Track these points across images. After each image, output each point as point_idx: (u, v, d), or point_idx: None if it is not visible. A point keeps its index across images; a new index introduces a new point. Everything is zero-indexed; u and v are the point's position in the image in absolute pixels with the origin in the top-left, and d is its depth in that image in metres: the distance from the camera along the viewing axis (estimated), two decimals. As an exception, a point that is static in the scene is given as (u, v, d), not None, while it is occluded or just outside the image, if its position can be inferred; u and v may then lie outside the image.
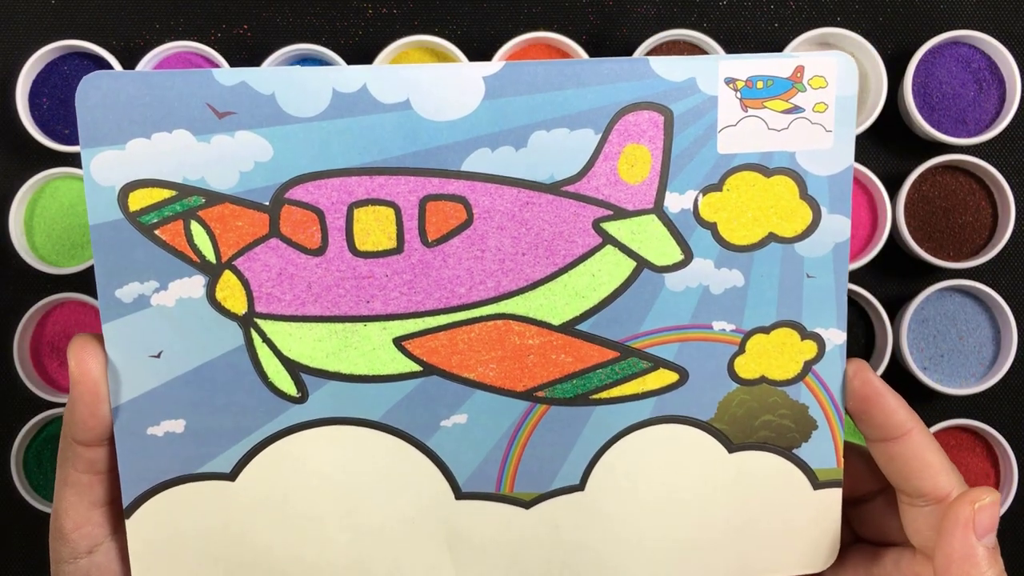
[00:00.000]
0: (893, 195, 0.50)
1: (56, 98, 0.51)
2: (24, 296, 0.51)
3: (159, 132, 0.27)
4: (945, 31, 0.49)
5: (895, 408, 0.28)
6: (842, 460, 0.30)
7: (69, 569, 0.28)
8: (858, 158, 0.51)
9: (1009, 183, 0.49)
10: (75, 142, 0.50)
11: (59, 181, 0.51)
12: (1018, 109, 0.49)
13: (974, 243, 0.50)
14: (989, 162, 0.49)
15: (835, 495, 0.30)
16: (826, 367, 0.29)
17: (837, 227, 0.29)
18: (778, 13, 0.51)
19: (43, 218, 0.51)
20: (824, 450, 0.30)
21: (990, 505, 0.27)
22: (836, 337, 0.29)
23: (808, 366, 0.29)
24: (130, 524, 0.28)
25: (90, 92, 0.26)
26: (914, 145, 0.51)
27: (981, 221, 0.50)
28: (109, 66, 0.50)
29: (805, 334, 0.29)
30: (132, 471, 0.28)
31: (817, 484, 0.30)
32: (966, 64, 0.50)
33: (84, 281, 0.51)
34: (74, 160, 0.51)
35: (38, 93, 0.51)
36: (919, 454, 0.28)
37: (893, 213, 0.49)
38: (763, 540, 0.30)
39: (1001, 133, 0.49)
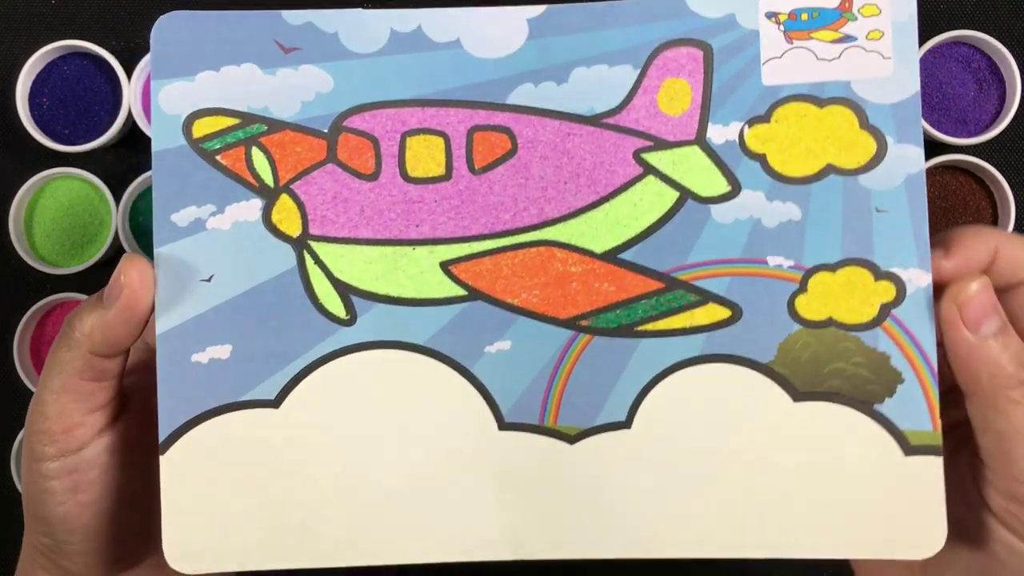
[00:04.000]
0: (893, 195, 0.50)
1: (56, 98, 0.51)
2: (24, 296, 0.51)
3: (227, 65, 0.29)
4: (945, 31, 0.49)
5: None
6: (939, 423, 0.27)
7: (53, 467, 0.28)
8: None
9: (1009, 183, 0.49)
10: (75, 142, 0.50)
11: (59, 181, 0.51)
12: (1018, 109, 0.49)
13: (974, 243, 0.50)
14: (989, 162, 0.49)
15: (934, 464, 0.28)
16: (910, 312, 0.28)
17: (909, 156, 0.28)
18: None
19: (43, 218, 0.51)
20: (914, 408, 0.28)
21: (974, 295, 0.26)
22: (919, 278, 0.28)
23: (886, 310, 0.28)
24: (164, 460, 0.29)
25: (166, 29, 0.29)
26: (914, 145, 0.51)
27: (981, 221, 0.50)
28: (109, 66, 0.50)
29: (879, 274, 0.28)
30: (171, 403, 0.29)
31: (909, 449, 0.28)
32: (966, 64, 0.50)
33: (84, 281, 0.51)
34: (74, 160, 0.51)
35: (38, 93, 0.51)
36: None
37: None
38: (844, 510, 0.28)
39: (1001, 133, 0.49)
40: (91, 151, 0.50)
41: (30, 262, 0.50)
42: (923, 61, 0.50)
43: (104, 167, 0.52)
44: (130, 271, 0.28)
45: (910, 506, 0.28)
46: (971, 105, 0.50)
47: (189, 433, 0.29)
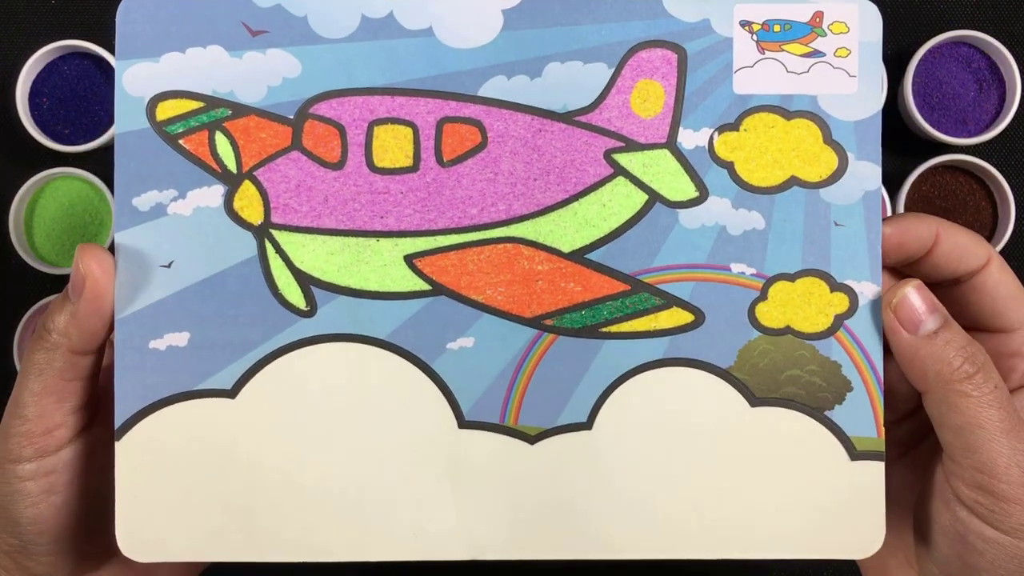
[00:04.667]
0: (893, 195, 0.50)
1: (56, 98, 0.51)
2: (24, 296, 0.51)
3: (193, 47, 0.28)
4: (945, 31, 0.49)
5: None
6: (883, 430, 0.29)
7: (29, 468, 0.28)
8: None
9: (1009, 183, 0.49)
10: (75, 142, 0.50)
11: (59, 181, 0.51)
12: (1018, 109, 0.49)
13: (974, 243, 0.50)
14: (989, 162, 0.49)
15: (876, 469, 0.29)
16: (860, 323, 0.29)
17: (866, 174, 0.29)
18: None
19: (43, 218, 0.51)
20: (861, 416, 0.29)
21: (906, 298, 0.27)
22: (870, 291, 0.29)
23: (839, 320, 0.29)
24: (119, 447, 0.29)
25: (131, 9, 0.28)
26: (914, 145, 0.51)
27: (981, 221, 0.50)
28: (109, 66, 0.50)
29: (835, 286, 0.29)
30: (128, 388, 0.29)
31: (855, 454, 0.29)
32: (966, 64, 0.50)
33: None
34: (74, 160, 0.51)
35: (38, 93, 0.51)
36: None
37: (893, 213, 0.49)
38: (793, 513, 0.29)
39: (1001, 133, 0.49)
40: (91, 151, 0.50)
41: (30, 262, 0.50)
42: (923, 61, 0.50)
43: (104, 167, 0.52)
44: (88, 261, 0.27)
45: (852, 509, 0.29)
46: (971, 105, 0.50)
47: (145, 420, 0.29)
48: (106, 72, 0.51)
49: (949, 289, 0.29)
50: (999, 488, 0.25)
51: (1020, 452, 0.25)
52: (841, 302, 0.29)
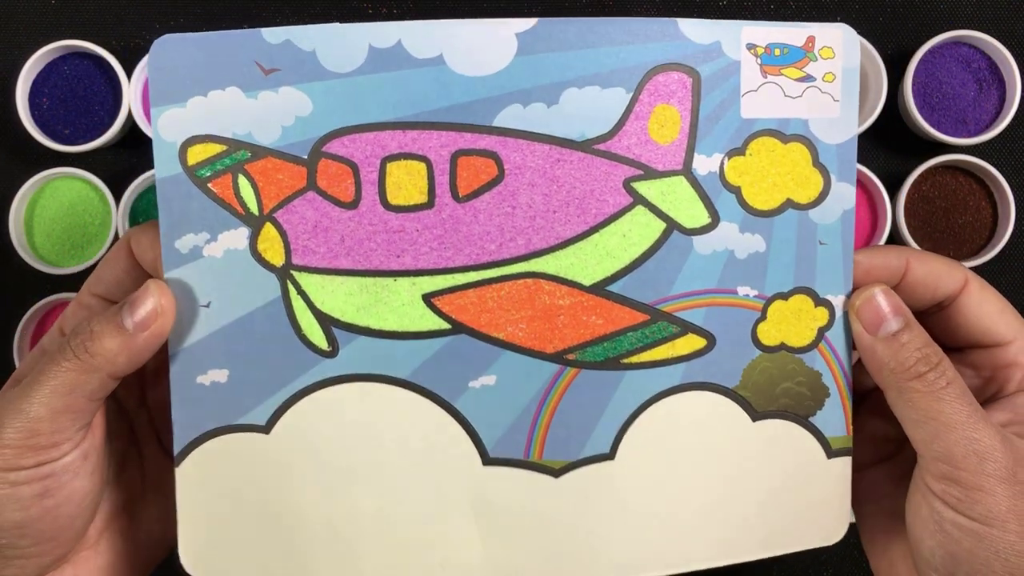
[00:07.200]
0: (893, 195, 0.50)
1: (56, 98, 0.51)
2: (24, 296, 0.51)
3: (214, 90, 0.28)
4: (945, 31, 0.49)
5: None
6: (851, 428, 0.31)
7: (25, 473, 0.28)
8: (859, 158, 0.51)
9: (1009, 183, 0.49)
10: (75, 142, 0.50)
11: (59, 181, 0.51)
12: (1018, 109, 0.49)
13: (974, 243, 0.50)
14: (989, 162, 0.49)
15: (846, 464, 0.31)
16: (836, 334, 0.30)
17: (844, 195, 0.29)
18: (778, 13, 0.51)
19: (43, 218, 0.51)
20: (835, 418, 0.30)
21: (865, 301, 0.29)
22: (844, 305, 0.30)
23: (821, 333, 0.30)
24: (180, 472, 0.29)
25: (161, 55, 0.28)
26: (914, 145, 0.51)
27: (981, 221, 0.50)
28: (109, 66, 0.50)
29: (818, 301, 0.30)
30: (183, 419, 0.29)
31: (830, 453, 0.31)
32: (966, 64, 0.50)
33: (84, 281, 0.51)
34: (74, 160, 0.51)
35: (38, 93, 0.51)
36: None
37: (893, 213, 0.49)
38: (784, 515, 0.31)
39: (1001, 133, 0.49)
40: (91, 151, 0.50)
41: (30, 262, 0.50)
42: (923, 61, 0.50)
43: (104, 167, 0.51)
44: (161, 300, 0.28)
45: (825, 503, 0.31)
46: (971, 105, 0.50)
47: (200, 447, 0.29)
48: (106, 72, 0.51)
49: (936, 315, 0.31)
50: (962, 477, 0.26)
51: (975, 441, 0.26)
52: (823, 316, 0.30)
